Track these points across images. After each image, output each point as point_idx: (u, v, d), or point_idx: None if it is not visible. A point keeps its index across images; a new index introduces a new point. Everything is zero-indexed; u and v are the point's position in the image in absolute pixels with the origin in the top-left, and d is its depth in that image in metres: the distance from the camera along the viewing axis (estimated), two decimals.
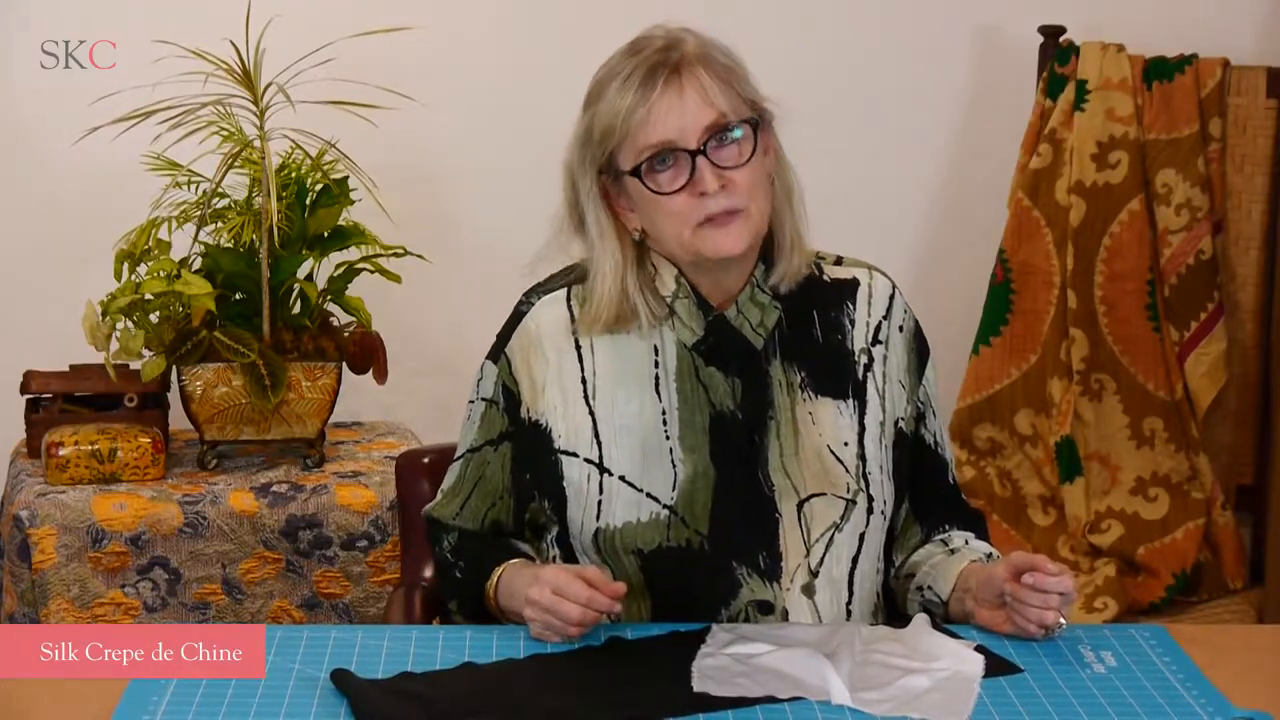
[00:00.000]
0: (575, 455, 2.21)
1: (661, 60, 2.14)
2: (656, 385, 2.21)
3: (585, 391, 2.22)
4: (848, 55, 3.82)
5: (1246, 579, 3.72)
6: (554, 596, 2.07)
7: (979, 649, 2.07)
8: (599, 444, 2.20)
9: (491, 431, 2.27)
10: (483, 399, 2.27)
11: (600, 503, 2.20)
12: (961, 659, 2.04)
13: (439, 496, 2.33)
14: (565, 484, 2.21)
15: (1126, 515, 3.70)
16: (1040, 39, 3.76)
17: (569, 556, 2.25)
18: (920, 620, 2.14)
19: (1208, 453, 3.72)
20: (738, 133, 2.14)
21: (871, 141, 3.82)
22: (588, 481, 2.20)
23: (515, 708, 1.93)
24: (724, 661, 2.04)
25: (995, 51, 3.87)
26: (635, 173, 2.14)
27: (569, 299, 2.25)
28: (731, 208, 2.14)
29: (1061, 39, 3.73)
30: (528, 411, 2.23)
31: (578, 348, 2.23)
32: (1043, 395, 3.77)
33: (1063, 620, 2.11)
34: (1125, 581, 3.63)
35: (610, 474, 2.20)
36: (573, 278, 2.27)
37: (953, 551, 2.27)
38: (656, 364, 2.22)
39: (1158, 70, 3.69)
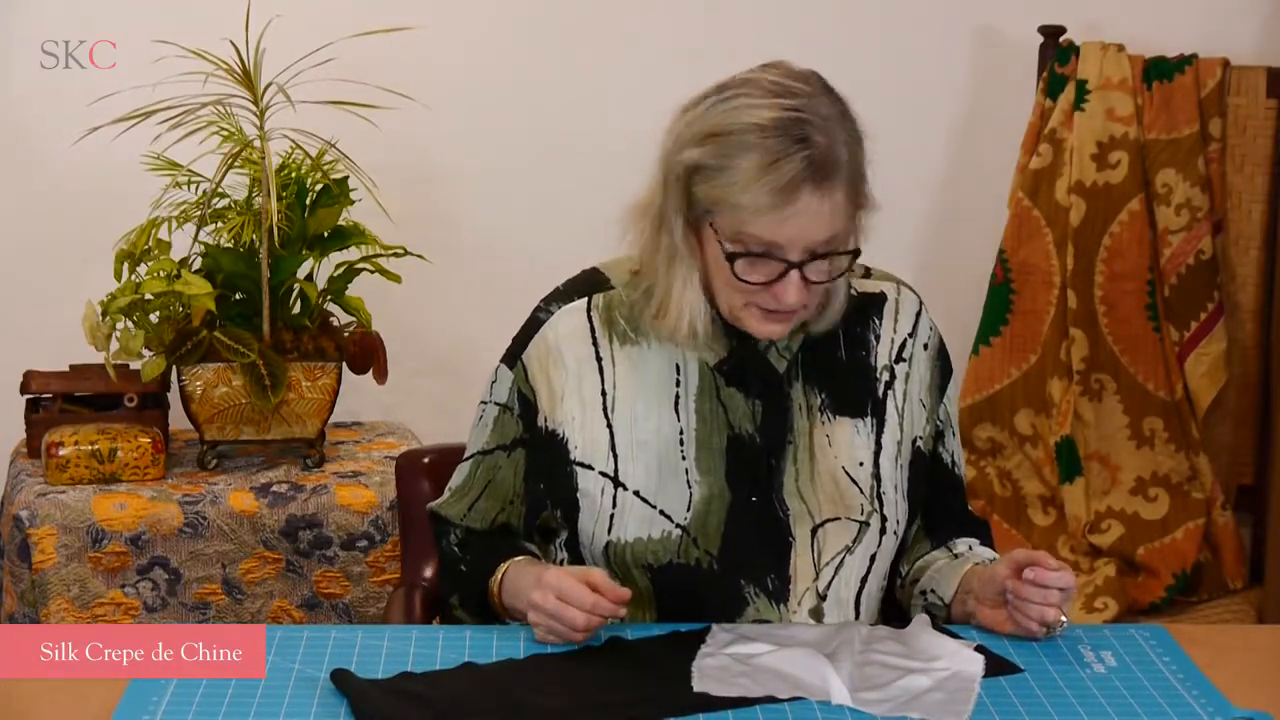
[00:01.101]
0: (591, 468, 2.19)
1: (810, 167, 2.03)
2: (676, 404, 2.19)
3: (604, 404, 2.19)
4: (847, 55, 3.81)
5: (1246, 579, 3.72)
6: (558, 602, 2.05)
7: (979, 649, 2.07)
8: (615, 458, 2.19)
9: (505, 437, 2.25)
10: (496, 403, 2.25)
11: (613, 516, 2.18)
12: (961, 659, 2.04)
13: (446, 495, 2.31)
14: (579, 495, 2.20)
15: (1126, 515, 3.70)
16: (1040, 39, 3.76)
17: (577, 560, 2.24)
18: (920, 620, 2.13)
19: (1208, 453, 3.73)
20: (837, 259, 2.10)
21: (871, 141, 3.82)
22: (601, 494, 2.19)
23: (515, 708, 1.93)
24: (724, 661, 2.04)
25: (995, 51, 3.87)
26: (730, 258, 2.07)
27: (589, 309, 2.22)
28: (794, 311, 2.11)
29: (1061, 39, 3.74)
30: (545, 420, 2.21)
31: (598, 359, 2.20)
32: (1043, 395, 3.77)
33: (1064, 618, 2.10)
34: (1125, 581, 3.63)
35: (624, 488, 2.18)
36: (592, 287, 2.24)
37: (956, 556, 2.27)
38: (678, 383, 2.20)
39: (1158, 70, 3.69)
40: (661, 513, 2.17)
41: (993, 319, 3.79)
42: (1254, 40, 3.83)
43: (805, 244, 2.06)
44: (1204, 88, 3.68)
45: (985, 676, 2.02)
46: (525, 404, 2.22)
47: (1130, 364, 3.71)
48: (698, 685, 1.98)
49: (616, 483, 2.18)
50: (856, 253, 2.11)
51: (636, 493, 2.18)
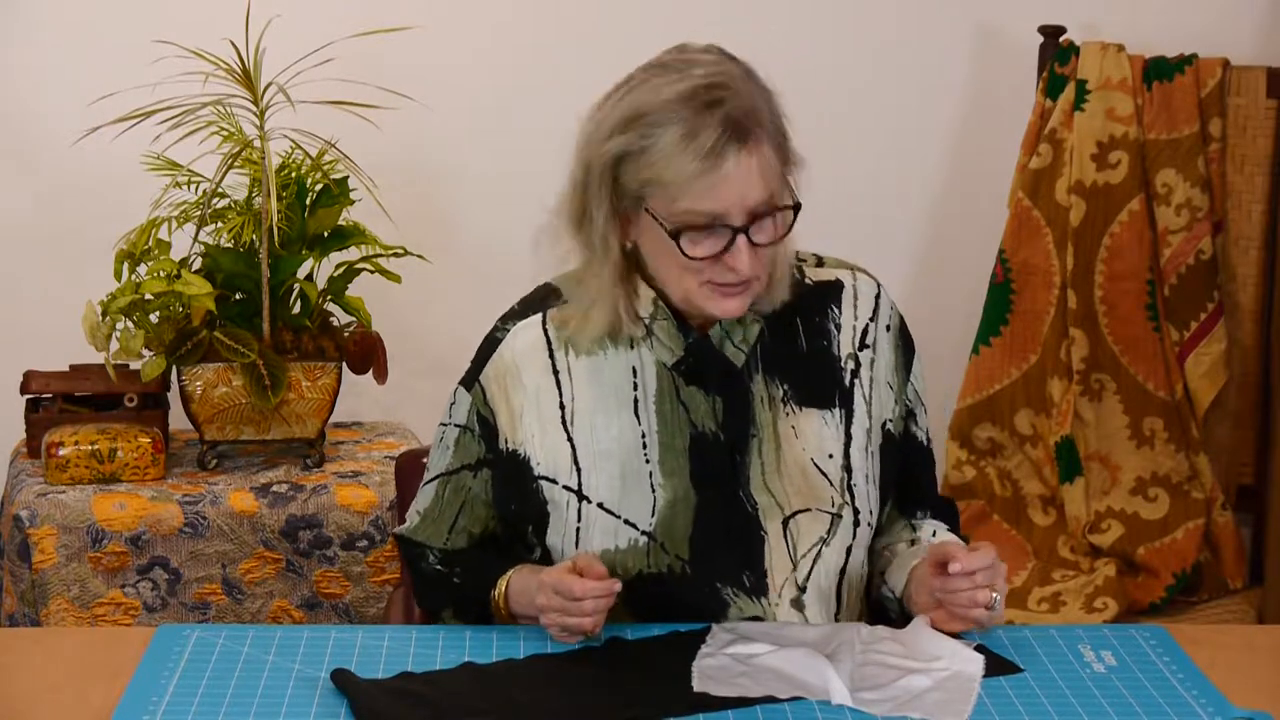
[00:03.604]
0: (555, 482, 2.19)
1: (730, 128, 2.04)
2: (636, 408, 2.18)
3: (563, 417, 2.18)
4: (848, 55, 3.82)
5: (1246, 579, 3.72)
6: (561, 599, 2.06)
7: (979, 649, 2.07)
8: (578, 470, 2.18)
9: (468, 457, 2.23)
10: (456, 424, 2.24)
11: (579, 530, 2.18)
12: (961, 659, 2.05)
13: (415, 519, 2.29)
14: (549, 507, 2.19)
15: (1126, 515, 3.70)
16: (1040, 39, 3.76)
17: None
18: (920, 620, 2.13)
19: (1208, 453, 3.72)
20: (779, 215, 2.10)
21: (872, 141, 3.82)
22: (566, 508, 2.18)
23: (515, 708, 1.93)
24: (724, 661, 2.04)
25: (995, 51, 3.87)
26: (674, 235, 2.07)
27: (544, 323, 2.21)
28: (747, 280, 2.10)
29: (1061, 39, 3.73)
30: (506, 442, 2.20)
31: (555, 373, 2.19)
32: (1043, 395, 3.77)
33: (996, 594, 2.08)
34: (1125, 581, 3.62)
35: (589, 501, 2.17)
36: (545, 302, 2.23)
37: (913, 543, 2.26)
38: (635, 386, 2.19)
39: (1158, 70, 3.69)
40: (626, 522, 2.17)
41: (993, 319, 3.79)
42: (1254, 40, 3.83)
43: (745, 206, 2.07)
44: (1204, 88, 3.68)
45: (985, 676, 2.02)
46: (485, 426, 2.21)
47: (1130, 364, 3.71)
48: (698, 685, 1.98)
49: (580, 496, 2.18)
50: (798, 206, 2.11)
51: (600, 505, 2.17)
